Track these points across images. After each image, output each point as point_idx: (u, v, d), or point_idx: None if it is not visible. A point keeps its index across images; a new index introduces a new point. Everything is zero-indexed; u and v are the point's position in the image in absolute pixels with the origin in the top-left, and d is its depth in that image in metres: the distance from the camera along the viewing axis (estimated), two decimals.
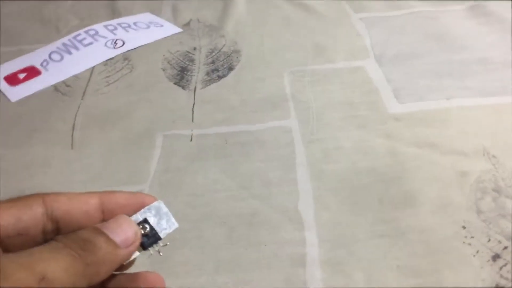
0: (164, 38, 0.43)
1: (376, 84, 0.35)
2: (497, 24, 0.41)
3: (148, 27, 0.44)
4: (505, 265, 0.22)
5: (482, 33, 0.40)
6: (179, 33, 0.44)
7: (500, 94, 0.33)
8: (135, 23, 0.45)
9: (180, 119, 0.33)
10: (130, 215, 0.14)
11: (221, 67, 0.38)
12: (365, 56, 0.38)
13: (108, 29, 0.44)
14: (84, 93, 0.36)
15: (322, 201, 0.26)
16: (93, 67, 0.39)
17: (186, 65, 0.39)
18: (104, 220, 0.14)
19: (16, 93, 0.37)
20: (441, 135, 0.29)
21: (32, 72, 0.39)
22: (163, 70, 0.39)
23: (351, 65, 0.37)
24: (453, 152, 0.28)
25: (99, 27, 0.44)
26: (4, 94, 0.37)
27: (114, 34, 0.43)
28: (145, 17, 0.46)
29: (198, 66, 0.39)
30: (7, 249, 0.12)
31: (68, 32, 0.44)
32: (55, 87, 0.37)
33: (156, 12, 0.47)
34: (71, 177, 0.28)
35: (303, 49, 0.40)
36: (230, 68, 0.38)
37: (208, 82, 0.37)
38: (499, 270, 0.22)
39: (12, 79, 0.38)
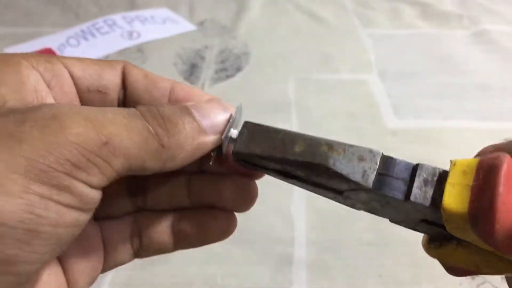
0: (178, 34, 0.44)
1: (377, 98, 0.36)
2: (499, 52, 0.42)
3: (164, 22, 0.46)
4: (483, 283, 0.23)
5: (484, 60, 0.41)
6: (193, 30, 0.45)
7: (496, 120, 0.34)
8: (152, 17, 0.46)
9: None
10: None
11: (230, 67, 0.40)
12: (369, 70, 0.39)
13: (125, 20, 0.45)
14: None
15: (314, 205, 0.27)
16: (107, 55, 0.41)
17: (196, 62, 0.40)
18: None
19: None
20: (435, 153, 0.30)
21: (48, 54, 0.40)
22: (175, 64, 0.40)
23: (354, 77, 0.38)
24: None
25: (117, 17, 0.46)
26: None
27: (131, 25, 0.45)
28: (162, 12, 0.48)
29: (208, 64, 0.40)
30: (81, 91, 0.11)
31: (87, 20, 0.45)
32: None
33: (173, 8, 0.49)
34: None
35: (310, 57, 0.41)
36: (238, 69, 0.39)
37: (216, 80, 0.38)
38: None
39: None
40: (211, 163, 0.11)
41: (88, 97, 0.12)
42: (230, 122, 0.12)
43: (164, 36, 0.43)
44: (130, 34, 0.43)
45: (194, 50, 0.42)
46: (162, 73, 0.42)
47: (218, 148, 0.11)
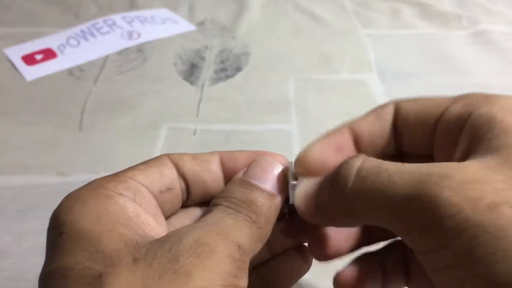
0: (178, 34, 0.44)
1: (377, 98, 0.36)
2: (499, 52, 0.42)
3: (164, 22, 0.46)
4: None
5: (483, 60, 0.41)
6: (193, 30, 0.45)
7: None
8: (151, 17, 0.47)
9: (185, 113, 0.34)
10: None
11: (229, 67, 0.40)
12: (368, 70, 0.39)
13: (125, 21, 0.45)
14: (96, 79, 0.38)
15: None
16: (107, 55, 0.41)
17: (196, 62, 0.40)
18: (227, 178, 0.13)
19: (31, 72, 0.38)
20: None
21: (49, 54, 0.40)
22: (174, 65, 0.40)
23: (354, 77, 0.39)
24: None
25: (117, 17, 0.46)
26: (20, 73, 0.38)
27: (131, 26, 0.45)
28: (162, 12, 0.48)
29: (208, 64, 0.40)
30: (161, 208, 0.12)
31: (87, 20, 0.45)
32: (70, 71, 0.39)
33: (173, 8, 0.49)
34: (76, 158, 0.30)
35: (310, 57, 0.41)
36: (238, 69, 0.39)
37: (216, 80, 0.38)
38: None
39: (29, 59, 0.40)
40: (286, 215, 0.13)
41: (161, 199, 0.12)
42: (290, 173, 0.12)
43: (164, 36, 0.44)
44: (130, 34, 0.43)
45: (194, 50, 0.42)
46: (162, 73, 0.42)
47: (287, 203, 0.12)
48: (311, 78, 0.38)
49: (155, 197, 0.12)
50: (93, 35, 0.43)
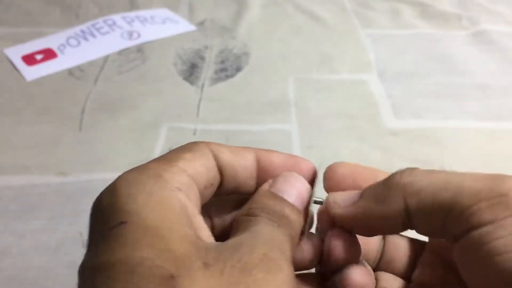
0: (178, 34, 0.44)
1: (377, 99, 0.36)
2: (499, 52, 0.42)
3: (164, 22, 0.46)
4: None
5: (483, 60, 0.41)
6: (193, 30, 0.45)
7: (496, 120, 0.34)
8: (152, 17, 0.47)
9: (185, 113, 0.34)
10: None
11: (229, 67, 0.40)
12: (368, 70, 0.39)
13: (125, 21, 0.45)
14: (96, 79, 0.38)
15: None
16: (107, 55, 0.41)
17: (196, 62, 0.40)
18: (259, 177, 0.13)
19: (32, 73, 0.38)
20: (434, 153, 0.30)
21: (49, 54, 0.40)
22: (174, 65, 0.40)
23: (354, 77, 0.39)
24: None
25: (117, 17, 0.46)
26: (20, 73, 0.38)
27: (131, 26, 0.45)
28: (162, 12, 0.48)
29: (208, 64, 0.40)
30: (203, 201, 0.12)
31: (87, 20, 0.45)
32: (70, 71, 0.39)
33: (173, 8, 0.49)
34: (76, 158, 0.30)
35: (310, 57, 0.41)
36: (238, 69, 0.39)
37: (216, 80, 0.38)
38: None
39: (29, 59, 0.40)
40: (318, 228, 0.13)
41: (203, 194, 0.12)
42: (313, 190, 0.13)
43: (164, 36, 0.44)
44: (130, 34, 0.43)
45: (194, 50, 0.42)
46: (162, 73, 0.42)
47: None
48: (311, 78, 0.38)
49: (200, 192, 0.12)
50: (93, 35, 0.43)
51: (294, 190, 0.12)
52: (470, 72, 0.39)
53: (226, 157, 0.12)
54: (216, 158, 0.12)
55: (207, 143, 0.12)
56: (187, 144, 0.12)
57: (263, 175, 0.13)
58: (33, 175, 0.28)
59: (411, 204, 0.11)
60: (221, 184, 0.13)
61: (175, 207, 0.10)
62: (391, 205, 0.11)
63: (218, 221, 0.13)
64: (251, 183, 0.13)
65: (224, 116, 0.34)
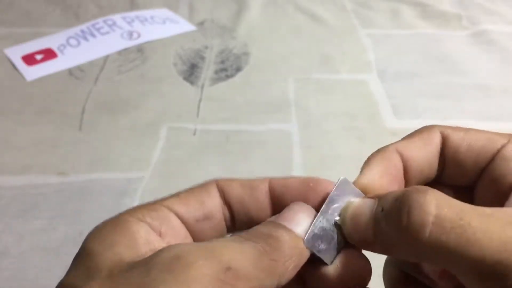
0: (178, 34, 0.44)
1: (377, 99, 0.36)
2: (499, 52, 0.42)
3: (164, 22, 0.46)
4: None
5: (483, 60, 0.41)
6: (193, 31, 0.45)
7: (496, 120, 0.34)
8: (152, 17, 0.47)
9: (186, 113, 0.34)
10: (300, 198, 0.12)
11: (229, 67, 0.40)
12: (368, 70, 0.39)
13: (125, 21, 0.45)
14: (96, 79, 0.38)
15: None
16: (107, 55, 0.41)
17: (196, 62, 0.40)
18: (273, 208, 0.12)
19: (32, 73, 0.38)
20: None
21: (49, 54, 0.40)
22: (174, 64, 0.40)
23: (354, 77, 0.39)
24: None
25: (117, 17, 0.46)
26: (20, 73, 0.38)
27: (131, 26, 0.45)
28: (162, 12, 0.48)
29: (208, 64, 0.40)
30: (196, 238, 0.12)
31: (87, 20, 0.45)
32: (70, 71, 0.39)
33: (173, 8, 0.49)
34: (76, 157, 0.30)
35: (310, 57, 0.41)
36: (238, 69, 0.39)
37: (216, 80, 0.38)
38: None
39: (29, 59, 0.40)
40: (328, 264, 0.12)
41: (197, 228, 0.12)
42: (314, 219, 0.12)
43: (164, 36, 0.44)
44: (130, 34, 0.43)
45: (194, 50, 0.42)
46: (162, 73, 0.42)
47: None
48: (311, 78, 0.38)
49: (190, 225, 0.12)
50: (93, 35, 0.43)
51: (296, 216, 0.11)
52: (470, 72, 0.39)
53: (235, 191, 0.12)
54: (223, 194, 0.12)
55: (217, 181, 0.12)
56: (201, 183, 0.12)
57: (277, 204, 0.12)
58: (33, 175, 0.28)
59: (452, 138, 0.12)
60: (234, 219, 0.12)
61: (116, 234, 0.11)
62: (429, 148, 0.12)
63: None
64: (265, 214, 0.12)
65: (224, 116, 0.34)
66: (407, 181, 0.13)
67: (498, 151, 0.12)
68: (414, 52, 0.42)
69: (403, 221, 0.10)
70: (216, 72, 0.39)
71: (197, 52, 0.42)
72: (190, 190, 0.12)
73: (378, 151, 0.13)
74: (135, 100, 0.35)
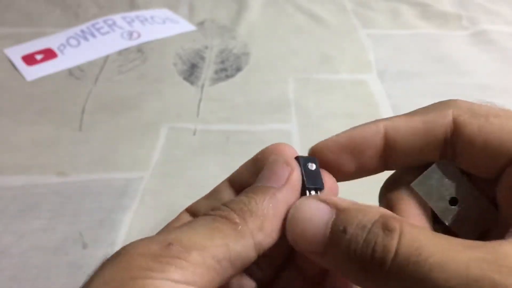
0: (178, 34, 0.44)
1: (377, 98, 0.36)
2: (499, 52, 0.42)
3: (164, 22, 0.46)
4: None
5: (483, 60, 0.41)
6: (193, 30, 0.45)
7: None
8: (152, 17, 0.47)
9: (186, 113, 0.34)
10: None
11: (229, 67, 0.40)
12: (368, 70, 0.39)
13: (125, 21, 0.45)
14: (96, 79, 0.38)
15: None
16: (107, 55, 0.41)
17: (196, 62, 0.40)
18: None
19: (32, 73, 0.38)
20: None
21: (49, 54, 0.40)
22: (174, 64, 0.40)
23: (354, 77, 0.39)
24: None
25: (117, 17, 0.46)
26: (20, 73, 0.38)
27: (131, 26, 0.45)
28: (162, 12, 0.48)
29: (208, 64, 0.40)
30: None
31: (87, 20, 0.45)
32: (70, 71, 0.39)
33: (173, 8, 0.49)
34: (76, 158, 0.30)
35: (310, 57, 0.41)
36: (238, 69, 0.39)
37: (216, 80, 0.38)
38: None
39: (29, 59, 0.40)
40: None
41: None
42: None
43: (164, 36, 0.44)
44: (130, 34, 0.43)
45: (194, 50, 0.42)
46: (162, 73, 0.42)
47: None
48: (311, 78, 0.38)
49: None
50: (93, 35, 0.43)
51: (271, 171, 0.11)
52: (470, 72, 0.39)
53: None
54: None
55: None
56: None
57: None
58: (33, 175, 0.28)
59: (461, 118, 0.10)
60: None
61: None
62: (440, 116, 0.11)
63: None
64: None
65: (224, 116, 0.34)
66: (387, 160, 0.12)
67: None
68: (414, 52, 0.42)
69: (367, 254, 0.09)
70: (216, 72, 0.39)
71: (197, 52, 0.42)
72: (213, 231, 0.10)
73: (364, 124, 0.12)
74: (135, 100, 0.35)
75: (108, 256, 0.09)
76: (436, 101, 0.40)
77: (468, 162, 0.11)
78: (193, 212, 0.12)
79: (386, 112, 0.35)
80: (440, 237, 0.09)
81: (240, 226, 0.10)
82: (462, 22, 0.47)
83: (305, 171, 0.11)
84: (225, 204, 0.10)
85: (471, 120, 0.11)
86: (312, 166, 0.12)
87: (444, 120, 0.11)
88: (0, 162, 0.29)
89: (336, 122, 0.33)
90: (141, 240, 0.09)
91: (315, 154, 0.12)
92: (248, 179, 0.12)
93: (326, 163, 0.12)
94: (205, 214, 0.10)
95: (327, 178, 0.12)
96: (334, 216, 0.10)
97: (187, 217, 0.12)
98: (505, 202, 0.11)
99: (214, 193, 0.12)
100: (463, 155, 0.11)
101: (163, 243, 0.09)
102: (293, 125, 0.33)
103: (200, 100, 0.35)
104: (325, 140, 0.12)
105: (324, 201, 0.10)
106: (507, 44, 0.43)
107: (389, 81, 0.38)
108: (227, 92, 0.36)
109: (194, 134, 0.32)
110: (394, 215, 0.10)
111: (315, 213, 0.10)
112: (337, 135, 0.12)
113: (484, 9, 0.49)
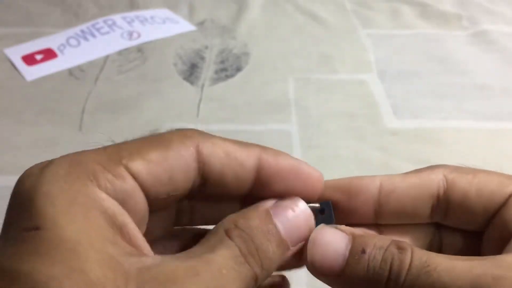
0: (178, 34, 0.44)
1: (377, 98, 0.36)
2: (499, 52, 0.42)
3: (164, 22, 0.46)
4: None
5: (483, 60, 0.41)
6: (193, 30, 0.45)
7: (496, 120, 0.34)
8: (152, 17, 0.47)
9: (186, 113, 0.34)
10: (287, 186, 0.11)
11: (229, 67, 0.40)
12: (368, 70, 0.39)
13: (125, 21, 0.45)
14: (96, 79, 0.38)
15: None
16: (107, 55, 0.41)
17: (196, 62, 0.40)
18: (258, 179, 0.11)
19: (32, 73, 0.38)
20: (434, 153, 0.30)
21: (49, 54, 0.40)
22: (174, 64, 0.40)
23: (354, 77, 0.39)
24: None
25: (117, 17, 0.46)
26: (20, 73, 0.38)
27: (131, 26, 0.45)
28: (162, 12, 0.48)
29: (208, 64, 0.40)
30: (150, 203, 0.10)
31: (87, 20, 0.45)
32: (70, 71, 0.39)
33: (173, 8, 0.49)
34: None
35: (310, 57, 0.41)
36: (238, 69, 0.39)
37: (216, 80, 0.38)
38: None
39: (29, 59, 0.40)
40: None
41: (156, 203, 0.10)
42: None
43: (164, 36, 0.44)
44: (130, 34, 0.43)
45: (194, 50, 0.42)
46: (162, 73, 0.42)
47: None
48: (311, 78, 0.38)
49: (150, 201, 0.10)
50: (93, 35, 0.43)
51: (294, 223, 0.11)
52: (470, 72, 0.39)
53: (217, 163, 0.11)
54: (200, 159, 0.10)
55: (195, 137, 0.11)
56: (170, 132, 0.11)
57: (263, 178, 0.11)
58: None
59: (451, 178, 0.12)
60: (204, 185, 0.11)
61: (100, 218, 0.09)
62: (429, 178, 0.12)
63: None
64: (245, 186, 0.11)
65: (224, 116, 0.34)
66: (380, 212, 0.12)
67: (510, 196, 0.12)
68: (414, 52, 0.42)
69: (385, 270, 0.10)
70: (216, 72, 0.39)
71: (197, 52, 0.42)
72: (163, 149, 0.10)
73: (361, 177, 0.13)
74: (135, 100, 0.35)
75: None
76: (436, 101, 0.39)
77: (460, 215, 0.12)
78: (203, 158, 0.11)
79: (386, 112, 0.35)
80: (442, 254, 0.11)
81: (255, 278, 0.10)
82: (462, 22, 0.47)
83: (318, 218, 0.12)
84: (258, 252, 0.10)
85: (460, 177, 0.12)
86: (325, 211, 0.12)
87: (437, 176, 0.12)
88: (0, 162, 0.29)
89: (336, 122, 0.33)
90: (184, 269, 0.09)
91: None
92: (276, 180, 0.11)
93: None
94: (237, 246, 0.10)
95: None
96: (351, 241, 0.11)
97: (192, 159, 0.10)
98: (490, 244, 0.12)
99: (236, 157, 0.11)
100: (455, 209, 0.12)
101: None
102: (293, 125, 0.33)
103: (200, 100, 0.35)
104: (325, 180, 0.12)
105: (340, 229, 0.11)
106: (507, 44, 0.43)
107: (389, 81, 0.38)
108: (227, 92, 0.36)
109: None
110: (402, 239, 0.11)
111: (334, 239, 0.11)
112: (336, 179, 0.13)
113: (484, 9, 0.49)
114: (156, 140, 0.10)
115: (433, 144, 0.31)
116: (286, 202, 0.11)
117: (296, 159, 0.12)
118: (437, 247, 0.13)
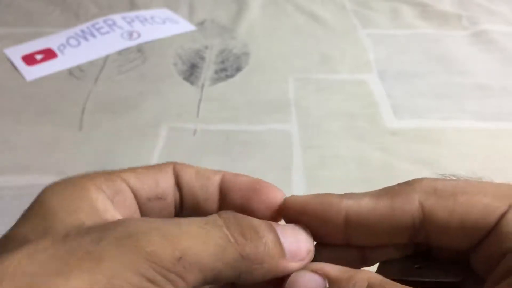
0: (178, 34, 0.44)
1: (377, 98, 0.36)
2: (499, 52, 0.42)
3: (164, 22, 0.46)
4: None
5: (483, 60, 0.41)
6: (193, 30, 0.45)
7: (496, 120, 0.34)
8: (152, 17, 0.47)
9: (185, 113, 0.34)
10: (246, 201, 0.12)
11: (229, 67, 0.40)
12: (368, 70, 0.39)
13: (125, 21, 0.45)
14: (96, 79, 0.38)
15: None
16: (107, 55, 0.41)
17: (196, 62, 0.40)
18: (220, 200, 0.12)
19: (31, 73, 0.38)
20: (434, 153, 0.30)
21: (49, 54, 0.40)
22: (174, 64, 0.40)
23: (354, 77, 0.39)
24: (444, 171, 0.29)
25: (117, 17, 0.46)
26: (20, 73, 0.38)
27: (131, 26, 0.45)
28: (162, 12, 0.48)
29: (208, 64, 0.40)
30: (144, 215, 0.12)
31: (87, 20, 0.45)
32: (70, 71, 0.39)
33: (173, 8, 0.49)
34: (76, 158, 0.30)
35: (310, 57, 0.41)
36: (238, 69, 0.39)
37: (216, 80, 0.38)
38: None
39: (29, 59, 0.40)
40: None
41: (148, 206, 0.12)
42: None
43: (164, 36, 0.44)
44: (130, 34, 0.43)
45: (194, 50, 0.42)
46: (162, 73, 0.42)
47: None
48: (311, 78, 0.38)
49: (141, 203, 0.12)
50: (93, 35, 0.43)
51: (294, 237, 0.11)
52: (470, 72, 0.39)
53: (188, 177, 0.12)
54: (177, 176, 0.12)
55: (174, 163, 0.13)
56: (159, 163, 0.13)
57: (224, 198, 0.12)
58: (33, 175, 0.28)
59: (428, 204, 0.10)
60: (182, 203, 0.13)
61: (78, 199, 0.11)
62: (406, 201, 0.11)
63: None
64: (212, 205, 0.13)
65: (224, 116, 0.34)
66: (350, 240, 0.12)
67: (497, 222, 0.10)
68: (414, 52, 0.42)
69: None
70: (216, 72, 0.39)
71: (197, 52, 0.42)
72: (147, 168, 0.12)
73: (327, 201, 0.12)
74: (135, 100, 0.35)
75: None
76: (436, 101, 0.39)
77: (440, 241, 0.11)
78: (178, 174, 0.13)
79: (386, 112, 0.35)
80: None
81: (237, 248, 0.10)
82: (462, 22, 0.47)
83: None
84: (255, 233, 0.10)
85: (439, 204, 0.11)
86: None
87: (411, 206, 0.11)
88: (0, 162, 0.29)
89: (336, 122, 0.33)
90: (153, 229, 0.10)
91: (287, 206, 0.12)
92: (234, 192, 0.13)
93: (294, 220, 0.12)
94: (227, 227, 0.10)
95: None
96: (327, 286, 0.11)
97: (171, 175, 0.12)
98: (485, 269, 0.11)
99: (203, 175, 0.13)
100: (435, 238, 0.11)
101: (174, 254, 0.09)
102: (293, 125, 0.33)
103: (200, 100, 0.35)
104: (295, 196, 0.12)
105: (316, 272, 0.11)
106: (507, 44, 0.43)
107: (389, 81, 0.38)
108: (227, 92, 0.36)
109: (194, 134, 0.32)
110: (382, 278, 0.10)
111: (310, 285, 0.11)
112: (302, 199, 0.12)
113: (484, 9, 0.49)
114: (150, 165, 0.13)
115: (433, 144, 0.31)
116: (290, 225, 0.12)
117: (257, 178, 0.13)
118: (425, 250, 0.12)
